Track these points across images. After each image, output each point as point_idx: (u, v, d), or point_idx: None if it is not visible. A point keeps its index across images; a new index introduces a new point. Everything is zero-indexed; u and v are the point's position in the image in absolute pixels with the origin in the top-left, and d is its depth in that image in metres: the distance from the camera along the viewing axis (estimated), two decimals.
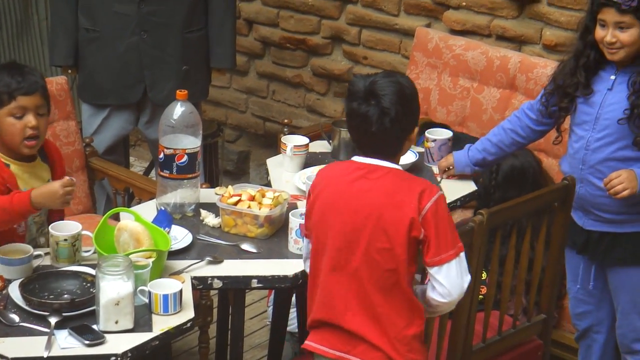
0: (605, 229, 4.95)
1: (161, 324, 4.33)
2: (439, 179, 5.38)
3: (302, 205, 4.93)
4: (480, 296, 4.78)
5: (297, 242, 4.74)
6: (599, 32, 4.75)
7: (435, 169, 5.46)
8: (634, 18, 4.66)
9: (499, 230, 4.71)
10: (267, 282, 4.71)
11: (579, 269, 5.16)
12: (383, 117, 4.08)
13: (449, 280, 4.11)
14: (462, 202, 5.36)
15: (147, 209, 4.99)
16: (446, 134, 5.53)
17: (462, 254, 4.16)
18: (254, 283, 4.69)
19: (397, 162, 4.23)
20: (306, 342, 4.37)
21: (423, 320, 4.21)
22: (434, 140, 5.48)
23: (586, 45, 4.84)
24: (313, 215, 4.33)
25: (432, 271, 4.12)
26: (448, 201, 4.52)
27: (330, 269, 4.24)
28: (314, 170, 5.15)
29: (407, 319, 4.18)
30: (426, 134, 5.54)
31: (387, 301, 4.16)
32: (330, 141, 5.62)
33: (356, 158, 4.26)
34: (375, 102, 4.09)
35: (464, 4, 6.67)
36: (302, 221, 4.69)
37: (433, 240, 4.09)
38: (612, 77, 4.82)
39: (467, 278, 4.17)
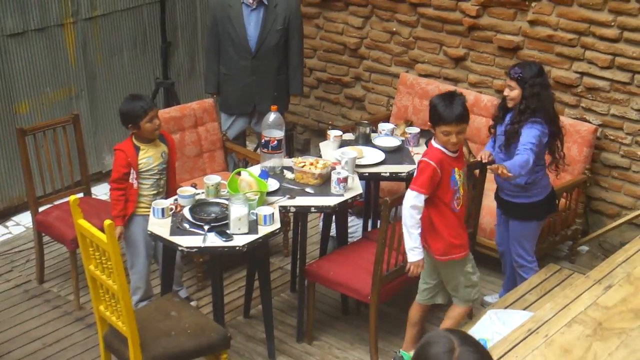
0: (507, 199, 4.98)
1: (263, 230, 4.42)
2: (413, 155, 5.34)
3: (338, 168, 4.96)
4: None
5: (335, 189, 4.76)
6: (505, 90, 4.87)
7: (410, 149, 5.42)
8: (517, 84, 4.75)
9: None
10: (319, 209, 4.75)
11: (500, 217, 5.17)
12: None
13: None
14: None
15: (255, 170, 5.01)
16: (416, 130, 5.53)
17: None
18: (312, 209, 4.75)
19: None
20: None
21: None
22: (410, 133, 5.48)
23: (504, 99, 4.93)
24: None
25: None
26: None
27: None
28: (345, 150, 5.19)
29: None
30: (405, 129, 5.54)
31: None
32: (353, 133, 5.59)
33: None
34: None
35: (426, 60, 6.67)
36: (339, 176, 4.73)
37: None
38: (507, 119, 4.88)
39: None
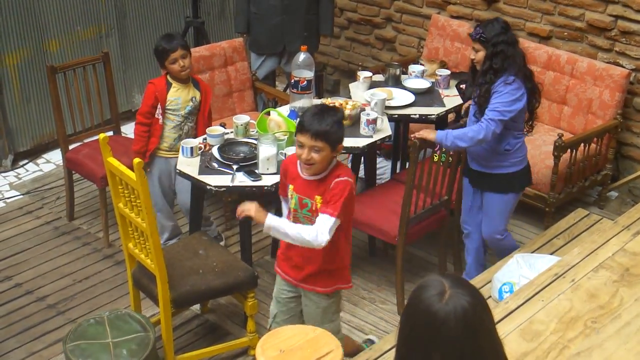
0: (481, 170, 4.57)
1: None
2: (442, 97, 5.33)
3: (368, 109, 4.94)
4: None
5: (364, 130, 4.74)
6: (471, 54, 4.47)
7: (440, 91, 5.40)
8: (481, 45, 4.34)
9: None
10: (348, 150, 4.73)
11: (469, 191, 4.76)
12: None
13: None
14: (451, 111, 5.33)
15: (284, 110, 5.00)
16: (447, 72, 5.50)
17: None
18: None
19: None
20: None
21: None
22: (441, 75, 5.45)
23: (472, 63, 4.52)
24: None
25: None
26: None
27: None
28: (374, 91, 5.16)
29: None
30: (436, 72, 5.51)
31: None
32: (384, 75, 5.57)
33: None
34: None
35: (458, 2, 6.60)
36: (369, 117, 4.70)
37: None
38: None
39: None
